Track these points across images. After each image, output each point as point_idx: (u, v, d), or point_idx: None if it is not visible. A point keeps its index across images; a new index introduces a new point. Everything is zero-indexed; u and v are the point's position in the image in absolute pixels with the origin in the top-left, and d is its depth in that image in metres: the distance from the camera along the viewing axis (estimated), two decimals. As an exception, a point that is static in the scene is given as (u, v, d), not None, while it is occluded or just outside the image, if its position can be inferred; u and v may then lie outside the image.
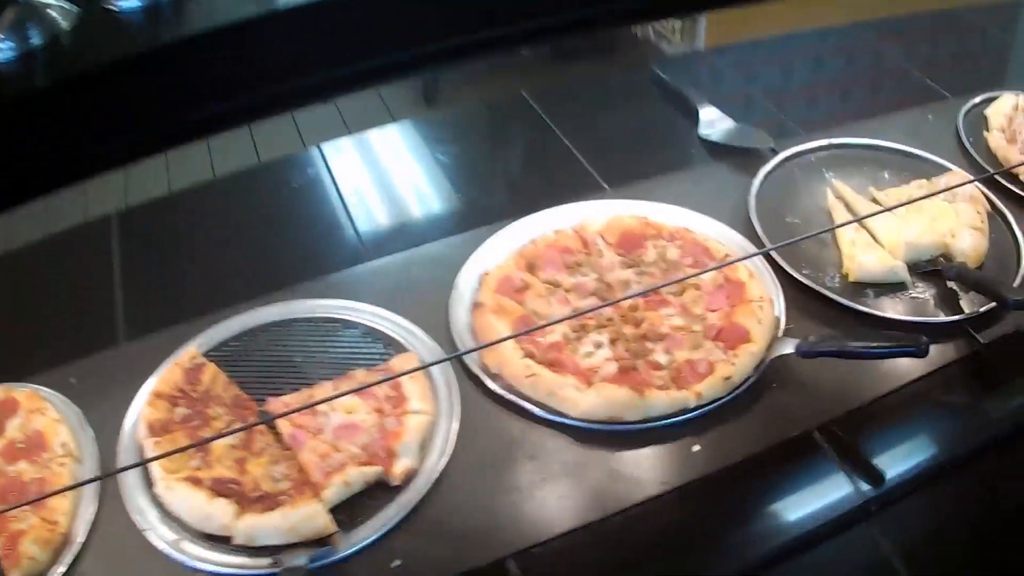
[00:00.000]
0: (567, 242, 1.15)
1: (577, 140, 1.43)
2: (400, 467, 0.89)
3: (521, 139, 1.56)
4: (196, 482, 0.89)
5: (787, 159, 1.32)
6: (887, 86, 1.71)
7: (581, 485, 0.90)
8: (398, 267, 1.18)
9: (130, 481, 0.91)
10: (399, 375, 0.97)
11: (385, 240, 1.28)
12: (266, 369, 1.04)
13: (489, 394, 0.98)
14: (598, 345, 1.01)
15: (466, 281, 1.11)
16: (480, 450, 0.94)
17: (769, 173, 1.29)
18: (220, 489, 0.88)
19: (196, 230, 1.33)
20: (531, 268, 1.11)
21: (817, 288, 1.09)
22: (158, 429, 0.95)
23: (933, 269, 1.12)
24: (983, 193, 1.24)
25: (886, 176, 1.31)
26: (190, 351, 1.05)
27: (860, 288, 1.11)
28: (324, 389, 0.99)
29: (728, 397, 0.96)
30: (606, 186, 1.32)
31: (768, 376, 0.99)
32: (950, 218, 1.18)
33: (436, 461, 0.91)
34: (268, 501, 0.88)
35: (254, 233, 1.31)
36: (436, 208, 1.40)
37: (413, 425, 0.93)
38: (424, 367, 1.00)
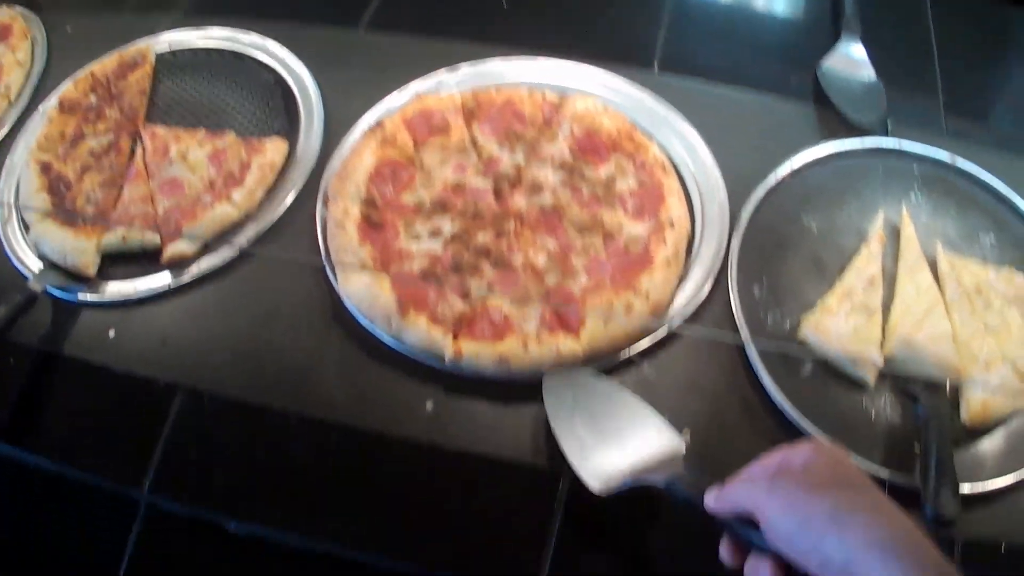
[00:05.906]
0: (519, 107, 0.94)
1: None
2: (173, 249, 0.87)
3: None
4: (46, 169, 0.96)
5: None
6: None
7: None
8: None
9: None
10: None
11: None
12: (180, 94, 1.04)
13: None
14: (435, 233, 0.86)
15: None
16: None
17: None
18: (50, 178, 0.95)
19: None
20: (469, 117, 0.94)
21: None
22: (65, 107, 1.02)
23: (910, 393, 0.75)
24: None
25: (989, 242, 0.85)
26: (142, 47, 1.07)
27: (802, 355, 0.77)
28: (193, 137, 0.97)
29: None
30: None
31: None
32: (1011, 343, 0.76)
33: (221, 258, 0.88)
34: (72, 214, 0.92)
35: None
36: None
37: (215, 215, 0.89)
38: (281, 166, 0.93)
